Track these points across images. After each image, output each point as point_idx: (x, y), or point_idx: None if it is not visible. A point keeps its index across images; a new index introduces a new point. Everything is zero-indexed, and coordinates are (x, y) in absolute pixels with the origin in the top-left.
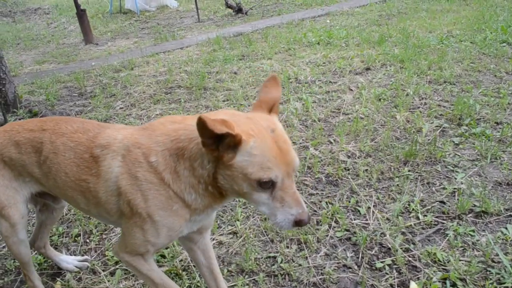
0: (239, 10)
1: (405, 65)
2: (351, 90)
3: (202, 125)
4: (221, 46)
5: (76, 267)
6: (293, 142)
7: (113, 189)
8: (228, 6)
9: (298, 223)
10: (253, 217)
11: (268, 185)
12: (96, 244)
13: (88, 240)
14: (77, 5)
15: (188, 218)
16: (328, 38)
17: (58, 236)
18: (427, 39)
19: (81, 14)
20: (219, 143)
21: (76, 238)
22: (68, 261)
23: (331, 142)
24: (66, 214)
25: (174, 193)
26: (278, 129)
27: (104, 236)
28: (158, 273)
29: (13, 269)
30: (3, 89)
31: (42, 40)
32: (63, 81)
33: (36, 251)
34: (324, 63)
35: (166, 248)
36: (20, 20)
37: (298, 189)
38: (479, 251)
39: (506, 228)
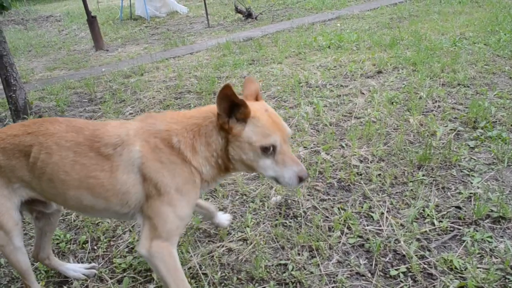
0: (249, 15)
1: (418, 68)
2: (363, 93)
3: (226, 91)
4: (231, 51)
5: (83, 274)
6: (304, 147)
7: (137, 178)
8: (238, 11)
9: (300, 178)
10: (264, 223)
11: (269, 151)
12: (103, 251)
13: (95, 247)
14: (87, 12)
15: (202, 189)
16: (339, 41)
17: (66, 243)
18: (439, 42)
19: (91, 21)
20: (230, 116)
21: (83, 245)
22: (75, 269)
23: (343, 147)
24: (74, 221)
25: (194, 168)
26: (269, 109)
27: (112, 243)
28: (183, 274)
29: (20, 277)
30: (14, 95)
31: (53, 47)
32: (73, 87)
33: (40, 263)
34: (335, 66)
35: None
36: (32, 27)
37: (309, 195)
38: (497, 258)
39: None
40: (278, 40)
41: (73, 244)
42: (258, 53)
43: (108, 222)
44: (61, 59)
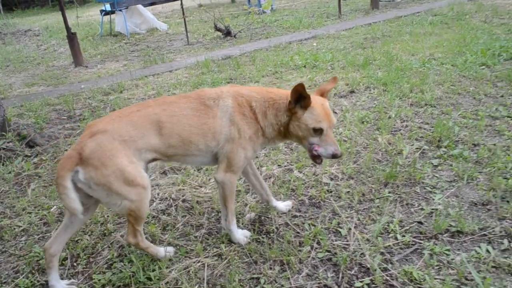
0: (227, 33)
1: (388, 88)
2: (336, 113)
3: (298, 87)
4: (209, 69)
5: None
6: (278, 165)
7: (227, 121)
8: (217, 29)
9: (334, 155)
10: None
11: (318, 132)
12: (83, 268)
13: (75, 264)
14: (67, 28)
15: (262, 143)
16: (314, 61)
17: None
18: (409, 62)
19: (71, 37)
20: (296, 104)
21: (63, 262)
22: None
23: (314, 165)
24: None
25: (260, 127)
26: (325, 103)
27: (91, 260)
28: (235, 189)
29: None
30: None
31: (32, 62)
32: (52, 104)
33: (46, 256)
34: (310, 86)
35: (153, 271)
36: (10, 42)
37: (282, 212)
38: (453, 270)
39: (480, 247)
40: (256, 59)
41: None
42: (236, 71)
43: (87, 239)
44: (40, 75)
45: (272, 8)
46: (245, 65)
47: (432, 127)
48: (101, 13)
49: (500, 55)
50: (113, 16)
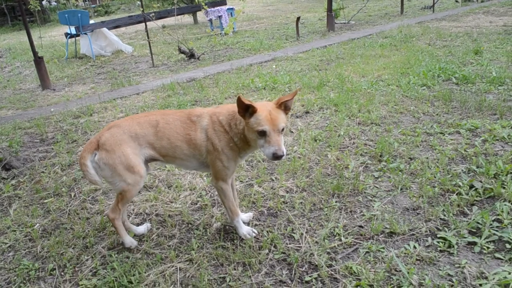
0: (191, 56)
1: (339, 108)
2: (292, 132)
3: (239, 99)
4: (175, 92)
5: None
6: (240, 181)
7: (205, 136)
8: (181, 51)
9: (274, 154)
10: (206, 246)
11: (262, 134)
12: (70, 276)
13: (63, 273)
14: (34, 52)
15: (238, 153)
16: (273, 83)
17: (35, 271)
18: (359, 84)
19: (38, 61)
20: (245, 112)
21: (51, 272)
22: None
23: (272, 180)
24: (40, 252)
25: (230, 137)
26: (272, 111)
27: (76, 269)
28: (231, 193)
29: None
30: None
31: None
32: (24, 128)
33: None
34: None
35: (133, 275)
36: None
37: (247, 224)
38: (385, 263)
39: (409, 245)
40: (219, 81)
41: (42, 271)
42: (200, 93)
43: (71, 252)
44: (8, 98)
45: (233, 29)
46: (209, 87)
47: (376, 143)
48: (66, 36)
49: (439, 76)
50: (77, 38)
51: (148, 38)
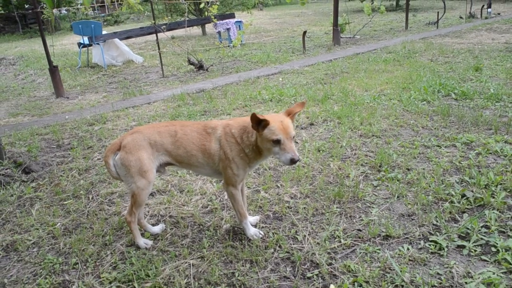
0: (200, 67)
1: (342, 121)
2: (297, 142)
3: (253, 117)
4: (185, 102)
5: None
6: (248, 187)
7: (218, 146)
8: (190, 63)
9: (292, 160)
10: (217, 245)
11: (277, 143)
12: (92, 270)
13: (85, 267)
14: (50, 62)
15: (248, 163)
16: (280, 95)
17: (59, 265)
18: (362, 98)
19: (53, 70)
20: (259, 126)
21: (74, 266)
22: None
23: (278, 187)
24: (62, 248)
25: (241, 148)
26: (284, 120)
27: (97, 264)
28: (240, 197)
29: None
30: None
31: (13, 92)
32: (41, 134)
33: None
34: None
35: (150, 270)
36: None
37: (254, 226)
38: (380, 263)
39: (402, 247)
40: (227, 93)
41: (65, 266)
42: (209, 104)
43: (92, 248)
44: (23, 105)
45: (241, 42)
46: (217, 98)
47: (376, 154)
48: (79, 46)
49: (439, 92)
50: (90, 47)
51: (159, 49)
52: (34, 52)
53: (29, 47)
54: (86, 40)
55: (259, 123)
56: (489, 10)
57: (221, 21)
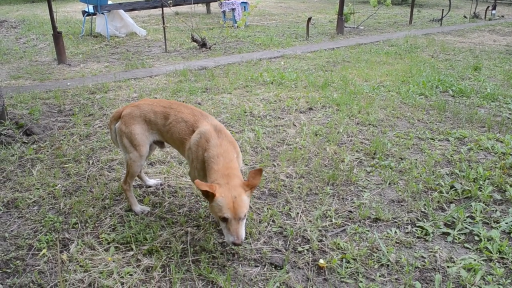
0: (203, 45)
1: (340, 108)
2: (295, 125)
3: (198, 185)
4: (187, 78)
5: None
6: (245, 164)
7: (189, 147)
8: (194, 40)
9: (233, 244)
10: (213, 217)
11: (224, 220)
12: (91, 230)
13: (84, 227)
14: (54, 27)
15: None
16: (281, 79)
17: (59, 224)
18: (362, 87)
19: (57, 36)
20: (207, 195)
21: (74, 226)
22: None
23: (274, 166)
24: (62, 208)
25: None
26: (238, 197)
27: (97, 225)
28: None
29: (25, 246)
30: None
31: (14, 55)
32: (42, 98)
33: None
34: (275, 101)
35: (148, 233)
36: None
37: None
38: (367, 242)
39: (390, 230)
40: (229, 72)
41: (65, 225)
42: (211, 82)
43: (91, 210)
44: (24, 69)
45: (245, 23)
46: (219, 77)
47: (371, 142)
48: (83, 14)
49: (437, 87)
50: (94, 16)
51: (163, 24)
52: (36, 17)
53: (31, 12)
54: (91, 8)
55: (206, 194)
56: (493, 12)
57: (227, 1)
